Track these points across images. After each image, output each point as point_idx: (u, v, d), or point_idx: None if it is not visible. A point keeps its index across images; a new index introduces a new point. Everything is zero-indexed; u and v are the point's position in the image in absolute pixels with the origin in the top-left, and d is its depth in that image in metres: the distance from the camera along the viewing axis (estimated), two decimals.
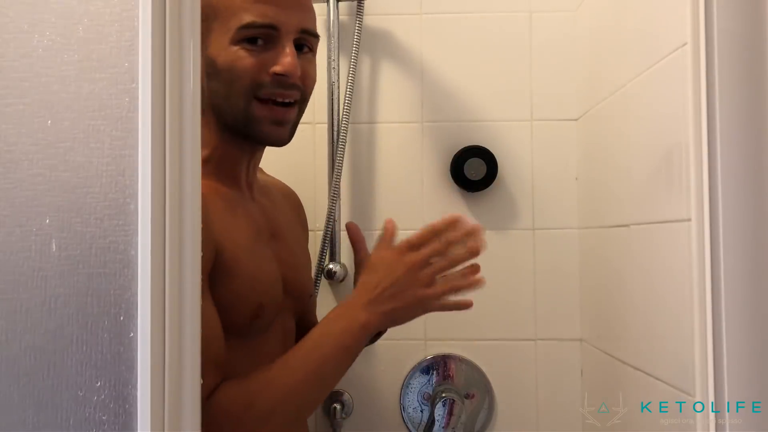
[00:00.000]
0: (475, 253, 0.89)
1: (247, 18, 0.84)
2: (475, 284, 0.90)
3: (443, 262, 0.88)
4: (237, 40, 0.85)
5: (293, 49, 0.86)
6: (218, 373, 0.79)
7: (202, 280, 0.75)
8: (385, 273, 0.87)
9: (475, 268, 0.91)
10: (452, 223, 0.89)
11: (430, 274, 0.87)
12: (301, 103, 0.91)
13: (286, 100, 0.88)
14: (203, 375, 0.74)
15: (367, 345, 0.96)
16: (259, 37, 0.85)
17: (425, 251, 0.87)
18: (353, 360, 0.86)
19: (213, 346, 0.78)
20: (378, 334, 1.00)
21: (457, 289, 0.89)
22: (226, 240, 0.82)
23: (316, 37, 0.92)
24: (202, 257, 0.75)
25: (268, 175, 1.08)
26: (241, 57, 0.85)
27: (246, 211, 0.91)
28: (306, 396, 0.83)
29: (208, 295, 0.78)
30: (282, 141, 0.90)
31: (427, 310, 0.89)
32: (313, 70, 0.92)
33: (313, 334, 0.85)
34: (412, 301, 0.87)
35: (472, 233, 0.89)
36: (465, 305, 0.92)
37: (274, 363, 0.82)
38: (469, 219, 0.91)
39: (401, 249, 0.88)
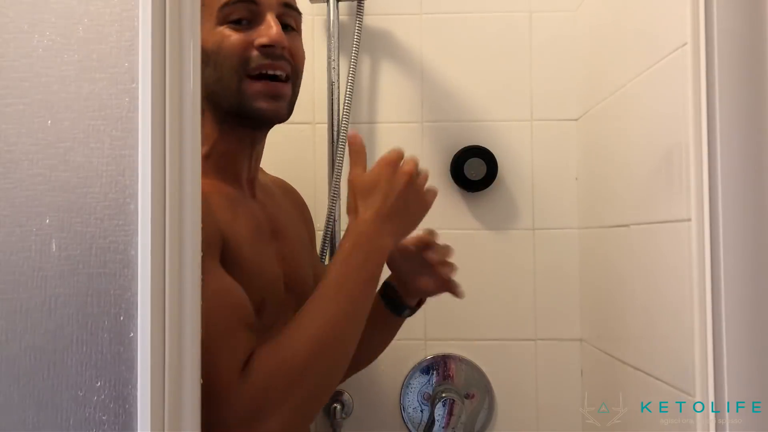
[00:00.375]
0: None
1: None
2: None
3: (421, 173, 0.89)
4: (220, 21, 0.85)
5: (276, 21, 0.87)
6: (251, 337, 0.76)
7: (214, 258, 0.76)
8: (388, 188, 0.85)
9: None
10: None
11: (421, 182, 0.88)
12: (295, 78, 0.90)
13: (277, 72, 0.87)
14: (239, 340, 0.73)
15: (405, 315, 1.02)
16: (242, 18, 0.86)
17: (406, 166, 0.86)
18: (377, 285, 0.85)
19: (242, 309, 0.77)
20: (418, 304, 1.05)
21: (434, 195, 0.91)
22: (229, 234, 0.82)
23: (299, 12, 0.92)
24: (212, 243, 0.75)
25: (268, 174, 1.08)
26: (227, 35, 0.85)
27: (247, 209, 0.91)
28: (343, 337, 0.79)
29: (222, 270, 0.77)
30: (279, 116, 0.89)
31: (425, 211, 0.90)
32: (300, 46, 0.92)
33: (333, 273, 0.81)
34: (418, 209, 0.88)
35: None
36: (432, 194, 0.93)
37: (301, 313, 0.79)
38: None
39: (392, 162, 0.86)
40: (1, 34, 0.55)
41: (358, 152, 0.89)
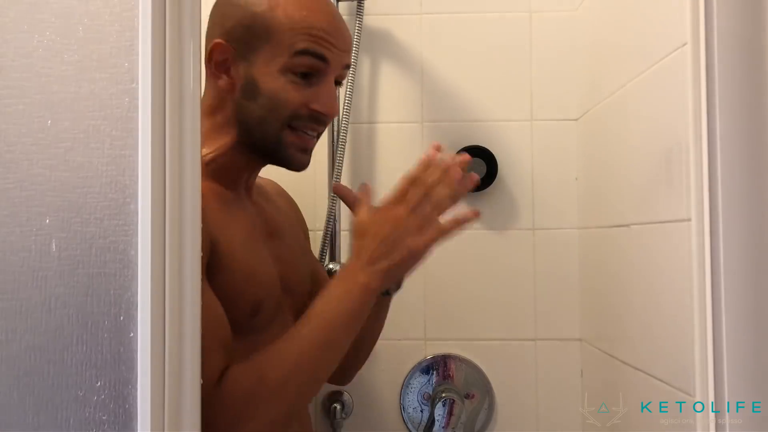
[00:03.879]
0: (456, 186, 0.87)
1: (303, 44, 0.84)
2: (467, 219, 0.89)
3: (428, 205, 0.86)
4: (288, 69, 0.85)
5: (334, 87, 0.89)
6: (226, 356, 0.79)
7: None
8: (374, 232, 0.86)
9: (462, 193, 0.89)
10: (426, 165, 0.88)
11: (417, 222, 0.86)
12: (323, 130, 0.94)
13: (315, 133, 0.91)
14: (210, 358, 0.74)
15: (392, 292, 0.98)
16: (309, 72, 0.86)
17: (407, 201, 0.86)
18: (359, 323, 0.85)
19: (218, 329, 0.78)
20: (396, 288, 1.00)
21: (449, 230, 0.87)
22: (221, 236, 0.82)
23: (350, 69, 0.95)
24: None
25: (262, 177, 1.08)
26: (288, 89, 0.86)
27: (242, 210, 0.92)
28: (315, 364, 0.83)
29: (206, 284, 0.78)
30: (304, 166, 0.92)
31: (424, 254, 0.87)
32: (338, 101, 0.95)
33: (316, 303, 0.85)
34: (406, 254, 0.85)
35: (450, 166, 0.88)
36: (473, 215, 0.90)
37: (281, 337, 0.82)
38: (446, 153, 0.90)
39: (385, 206, 0.88)
40: (1, 34, 0.55)
41: (364, 196, 0.92)
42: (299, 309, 1.00)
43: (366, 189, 0.93)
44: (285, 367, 0.80)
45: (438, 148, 0.91)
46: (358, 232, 0.89)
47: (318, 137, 0.93)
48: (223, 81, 0.87)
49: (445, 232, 0.87)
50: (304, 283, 1.01)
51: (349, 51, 0.91)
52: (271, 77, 0.85)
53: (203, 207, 0.80)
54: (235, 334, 0.82)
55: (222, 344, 0.78)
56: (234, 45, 0.85)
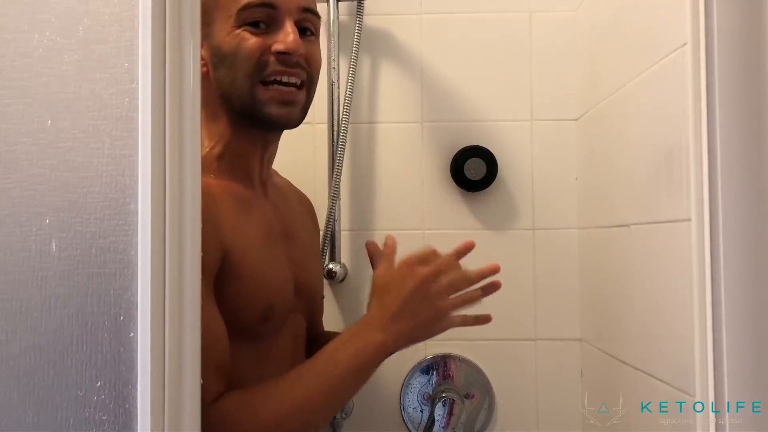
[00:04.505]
0: (488, 273, 0.87)
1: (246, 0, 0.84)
2: (491, 290, 0.88)
3: (456, 274, 0.85)
4: (239, 24, 0.85)
5: (294, 27, 0.86)
6: (222, 379, 0.77)
7: (207, 283, 0.75)
8: (398, 289, 0.83)
9: (495, 284, 0.88)
10: (461, 254, 0.87)
11: (444, 286, 0.84)
12: (309, 85, 0.90)
13: (292, 80, 0.87)
14: (205, 379, 0.72)
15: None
16: (260, 21, 0.85)
17: (436, 264, 0.84)
18: (365, 381, 0.83)
19: (216, 351, 0.76)
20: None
21: (473, 300, 0.86)
22: (236, 241, 0.81)
23: (318, 17, 0.91)
24: (209, 260, 0.74)
25: (282, 178, 1.08)
26: (245, 38, 0.85)
27: (259, 209, 0.91)
28: (312, 414, 0.81)
29: (211, 299, 0.77)
30: (292, 122, 0.89)
31: (446, 325, 0.85)
32: (317, 51, 0.92)
33: (326, 352, 0.82)
34: (430, 316, 0.83)
35: (486, 274, 0.86)
36: (485, 320, 0.89)
37: (283, 377, 0.80)
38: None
39: (409, 263, 0.85)
40: (1, 34, 0.55)
41: (389, 252, 0.89)
42: (310, 313, 0.99)
43: (391, 244, 0.90)
44: (282, 409, 0.78)
45: (470, 247, 0.89)
46: (378, 287, 0.86)
47: (303, 89, 0.89)
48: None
49: (469, 300, 0.85)
50: (316, 288, 1.00)
51: None
52: (228, 37, 0.85)
53: (218, 210, 0.80)
54: (246, 339, 0.82)
55: (219, 367, 0.77)
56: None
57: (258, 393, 0.78)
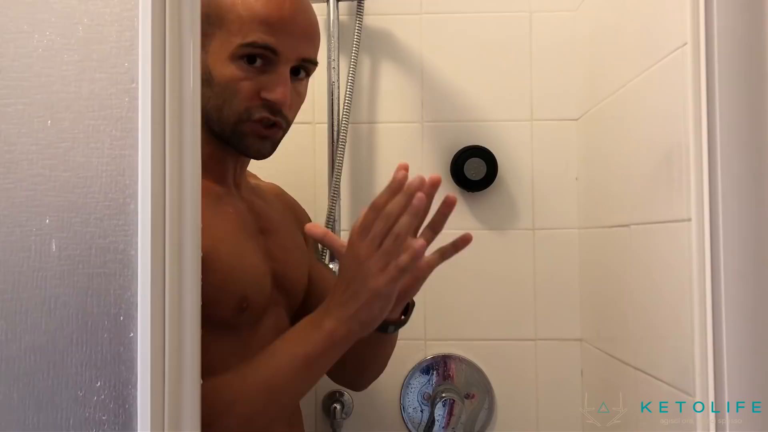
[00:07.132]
0: (419, 214, 0.77)
1: (251, 37, 0.84)
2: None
3: (390, 239, 0.76)
4: (237, 56, 0.85)
5: (288, 76, 0.87)
6: None
7: None
8: (344, 271, 0.81)
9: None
10: (394, 190, 0.78)
11: (380, 259, 0.76)
12: (288, 125, 0.91)
13: (271, 122, 0.88)
14: None
15: (390, 331, 0.90)
16: (258, 57, 0.85)
17: (372, 236, 0.77)
18: (321, 368, 0.82)
19: None
20: (403, 320, 0.92)
21: (407, 265, 0.76)
22: (206, 234, 0.81)
23: (316, 63, 0.92)
24: None
25: (260, 180, 1.08)
26: (238, 77, 0.85)
27: (231, 205, 0.91)
28: (255, 404, 0.80)
29: None
30: (263, 155, 0.91)
31: (390, 293, 0.78)
32: (304, 92, 0.93)
33: (275, 342, 0.82)
34: (369, 295, 0.77)
35: (417, 188, 0.77)
36: (464, 242, 0.84)
37: (241, 365, 0.80)
38: (426, 174, 0.79)
39: (352, 240, 0.80)
40: (1, 34, 0.55)
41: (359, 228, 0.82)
42: (294, 307, 1.00)
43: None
44: (225, 400, 0.77)
45: (405, 168, 0.80)
46: (339, 270, 0.84)
47: (281, 128, 0.90)
48: None
49: (404, 270, 0.77)
50: (299, 281, 1.01)
51: (308, 41, 0.89)
52: (220, 64, 0.85)
53: None
54: (223, 330, 0.82)
55: None
56: None
57: (210, 382, 0.77)
